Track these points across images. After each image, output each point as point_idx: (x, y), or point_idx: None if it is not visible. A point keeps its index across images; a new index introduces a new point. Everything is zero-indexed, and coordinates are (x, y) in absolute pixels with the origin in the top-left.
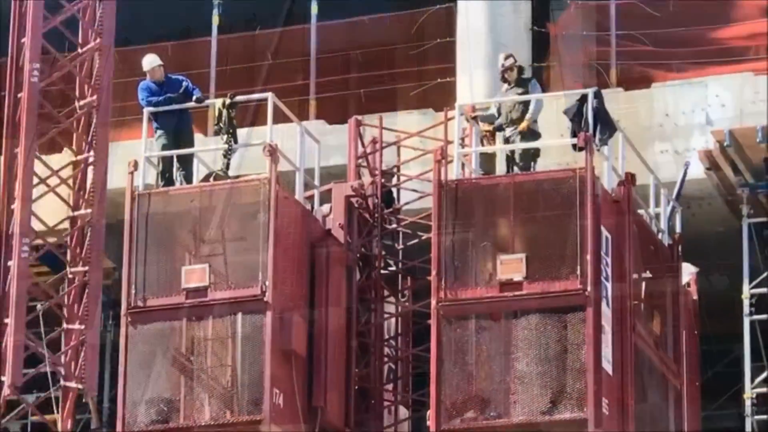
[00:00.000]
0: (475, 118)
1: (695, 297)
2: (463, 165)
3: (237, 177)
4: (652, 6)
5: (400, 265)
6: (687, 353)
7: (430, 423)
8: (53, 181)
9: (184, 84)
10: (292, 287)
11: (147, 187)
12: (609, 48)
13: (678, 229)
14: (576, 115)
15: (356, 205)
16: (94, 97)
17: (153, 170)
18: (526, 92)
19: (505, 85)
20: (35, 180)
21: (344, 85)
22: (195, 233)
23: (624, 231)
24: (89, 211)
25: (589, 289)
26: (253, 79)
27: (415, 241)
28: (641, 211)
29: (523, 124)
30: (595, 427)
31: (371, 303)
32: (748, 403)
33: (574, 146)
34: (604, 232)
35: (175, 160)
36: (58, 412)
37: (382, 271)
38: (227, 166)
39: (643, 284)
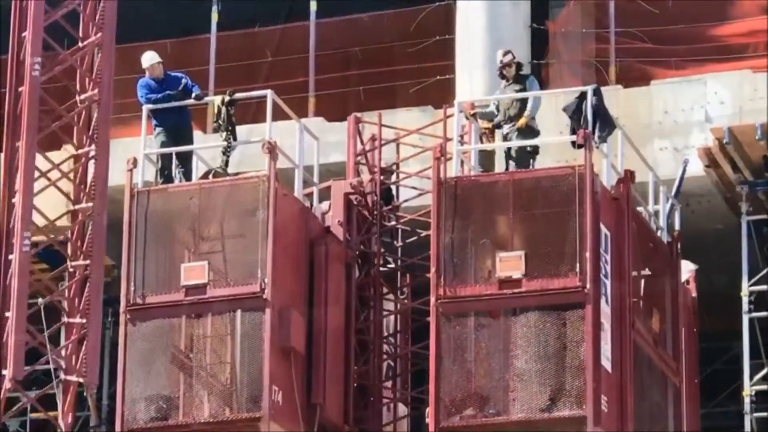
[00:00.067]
0: (474, 115)
1: (694, 294)
2: (462, 162)
3: (236, 174)
4: (651, 3)
5: (399, 262)
6: (686, 350)
7: (429, 420)
8: (54, 175)
9: (184, 81)
10: (291, 284)
11: (146, 185)
12: (608, 45)
13: (677, 226)
14: (575, 113)
15: (355, 203)
16: (95, 90)
17: (152, 167)
18: (523, 89)
19: (503, 82)
20: (36, 174)
21: (343, 83)
22: (194, 230)
23: (623, 228)
24: (90, 204)
25: (588, 286)
26: (252, 77)
27: (414, 238)
28: (640, 209)
29: (521, 121)
30: (594, 424)
31: (370, 300)
32: (747, 400)
33: (574, 143)
34: (604, 230)
35: (174, 157)
36: (58, 409)
37: (381, 269)
38: (226, 164)
39: (642, 282)
